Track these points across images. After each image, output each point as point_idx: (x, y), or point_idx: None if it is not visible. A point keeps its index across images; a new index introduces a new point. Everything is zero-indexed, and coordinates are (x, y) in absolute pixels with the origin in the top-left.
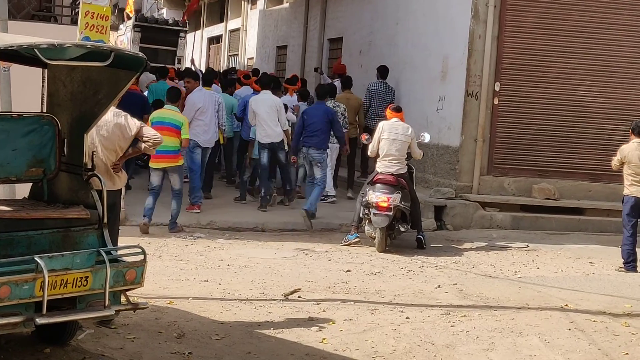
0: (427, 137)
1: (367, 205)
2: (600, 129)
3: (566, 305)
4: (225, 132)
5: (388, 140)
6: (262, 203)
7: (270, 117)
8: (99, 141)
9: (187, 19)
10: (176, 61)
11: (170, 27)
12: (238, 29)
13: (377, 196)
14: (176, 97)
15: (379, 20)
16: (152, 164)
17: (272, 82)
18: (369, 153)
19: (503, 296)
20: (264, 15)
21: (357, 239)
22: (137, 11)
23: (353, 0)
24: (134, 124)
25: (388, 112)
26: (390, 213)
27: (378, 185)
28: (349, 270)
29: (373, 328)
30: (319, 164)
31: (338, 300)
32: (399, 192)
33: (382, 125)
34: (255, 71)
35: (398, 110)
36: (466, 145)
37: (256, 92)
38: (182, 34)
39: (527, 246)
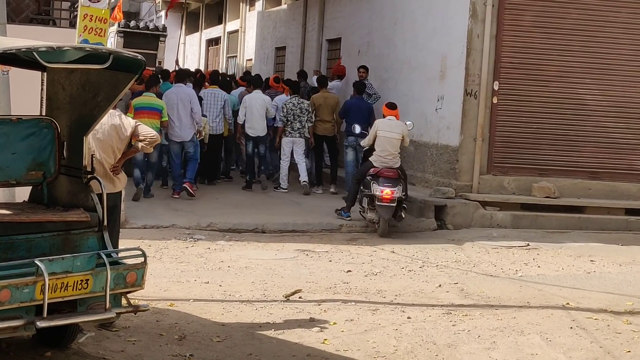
0: (409, 125)
1: (372, 197)
2: (599, 127)
3: (567, 303)
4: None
5: (384, 138)
6: (249, 186)
7: (259, 114)
8: (95, 145)
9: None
10: (157, 64)
11: (151, 32)
12: (236, 31)
13: (382, 189)
14: (153, 85)
15: (378, 21)
16: (134, 142)
17: (264, 83)
18: (362, 143)
19: (504, 295)
20: (262, 17)
21: (350, 217)
22: (135, 14)
23: (351, 0)
24: (128, 123)
25: (384, 109)
26: (394, 204)
27: (381, 179)
28: (349, 271)
29: (374, 328)
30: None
31: (339, 300)
32: (400, 185)
33: (378, 123)
34: (247, 73)
35: (393, 107)
36: (466, 145)
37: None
38: (162, 38)
39: (528, 245)
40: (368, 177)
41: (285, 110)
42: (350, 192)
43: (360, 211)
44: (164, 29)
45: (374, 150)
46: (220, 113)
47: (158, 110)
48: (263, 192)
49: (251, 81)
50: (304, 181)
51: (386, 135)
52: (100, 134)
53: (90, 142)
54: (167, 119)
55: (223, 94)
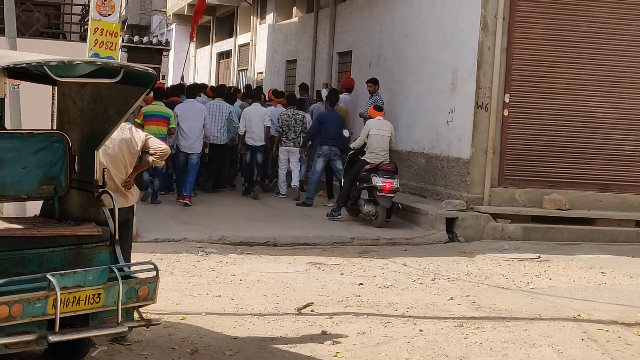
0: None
1: (371, 189)
2: (610, 139)
3: (579, 315)
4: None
5: (377, 136)
6: (248, 191)
7: (259, 124)
8: (106, 161)
9: (194, 35)
10: (160, 77)
11: (155, 47)
12: (247, 44)
13: (382, 181)
14: (161, 95)
15: (388, 34)
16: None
17: (262, 95)
18: (353, 144)
19: (516, 307)
20: (273, 30)
21: (340, 216)
22: (146, 27)
23: (362, 13)
24: (139, 137)
25: (371, 111)
26: (393, 194)
27: (381, 171)
28: (361, 284)
29: (386, 341)
30: (338, 157)
31: (351, 313)
32: (396, 178)
33: (370, 123)
34: (248, 87)
35: (380, 109)
36: (477, 157)
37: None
38: (165, 53)
39: (539, 257)
40: (364, 173)
41: (280, 121)
42: (343, 192)
43: (352, 204)
44: (167, 43)
45: (364, 151)
46: (225, 124)
47: (166, 117)
48: (259, 201)
49: (250, 95)
50: (295, 185)
51: (378, 133)
52: (111, 149)
53: (101, 157)
54: (174, 126)
55: (227, 106)
